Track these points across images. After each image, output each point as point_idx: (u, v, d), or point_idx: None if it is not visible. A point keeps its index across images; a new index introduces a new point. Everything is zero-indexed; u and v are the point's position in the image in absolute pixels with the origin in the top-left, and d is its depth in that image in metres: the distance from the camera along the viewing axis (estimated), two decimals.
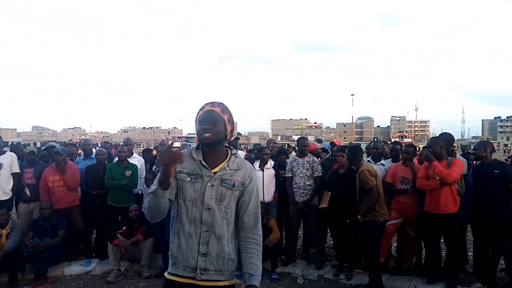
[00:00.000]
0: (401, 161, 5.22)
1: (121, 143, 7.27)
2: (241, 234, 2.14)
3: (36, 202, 5.63)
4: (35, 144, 17.86)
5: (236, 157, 2.16)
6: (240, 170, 2.13)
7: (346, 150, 5.07)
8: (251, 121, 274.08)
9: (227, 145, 2.20)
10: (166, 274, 2.16)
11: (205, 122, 2.06)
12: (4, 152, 5.71)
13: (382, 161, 5.53)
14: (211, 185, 2.07)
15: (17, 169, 5.63)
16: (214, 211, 2.06)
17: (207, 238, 2.06)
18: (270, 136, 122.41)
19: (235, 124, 2.22)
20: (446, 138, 5.04)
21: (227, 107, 2.13)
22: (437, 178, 4.45)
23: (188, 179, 2.08)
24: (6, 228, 5.08)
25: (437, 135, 6.24)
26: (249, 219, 2.13)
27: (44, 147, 8.19)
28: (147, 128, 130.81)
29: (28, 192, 5.58)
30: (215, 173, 2.08)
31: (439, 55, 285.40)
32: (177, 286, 2.09)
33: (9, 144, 10.69)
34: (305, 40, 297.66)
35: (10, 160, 5.60)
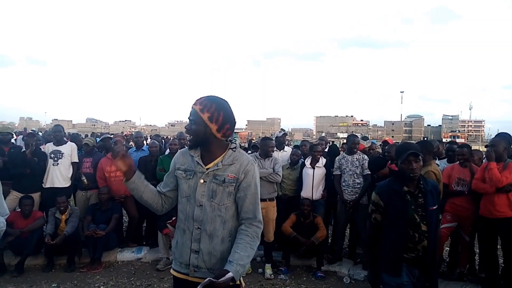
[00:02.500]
0: (457, 162, 4.97)
1: (170, 137, 7.45)
2: (239, 224, 2.09)
3: (92, 190, 5.93)
4: (92, 134, 18.75)
5: (234, 151, 2.10)
6: (233, 165, 2.06)
7: (418, 144, 4.83)
8: (295, 117, 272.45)
9: (229, 139, 2.14)
10: (171, 269, 2.21)
11: (188, 122, 2.08)
12: (66, 142, 6.05)
13: (437, 161, 5.30)
14: (203, 181, 2.05)
15: (76, 159, 5.95)
16: (205, 208, 2.04)
17: (199, 236, 2.04)
18: (314, 133, 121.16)
19: (226, 118, 2.05)
20: (506, 138, 4.73)
21: (211, 103, 2.03)
22: (488, 180, 4.22)
23: (184, 175, 2.11)
24: (65, 214, 5.40)
25: (493, 136, 5.86)
26: (247, 215, 2.06)
27: (99, 139, 8.60)
28: None
29: (85, 180, 5.88)
30: (207, 169, 2.06)
31: (495, 52, 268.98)
32: (178, 281, 2.13)
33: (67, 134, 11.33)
34: (352, 36, 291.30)
35: (70, 150, 5.94)
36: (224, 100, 2.12)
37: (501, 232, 4.29)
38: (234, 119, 2.13)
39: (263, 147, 5.40)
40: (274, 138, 6.50)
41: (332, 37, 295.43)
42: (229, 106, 2.12)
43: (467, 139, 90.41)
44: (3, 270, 5.00)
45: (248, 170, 2.07)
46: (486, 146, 5.67)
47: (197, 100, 2.07)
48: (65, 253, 5.29)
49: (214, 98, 2.09)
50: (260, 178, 4.94)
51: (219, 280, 1.82)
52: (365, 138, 9.30)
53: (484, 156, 5.19)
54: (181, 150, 2.30)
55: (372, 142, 8.32)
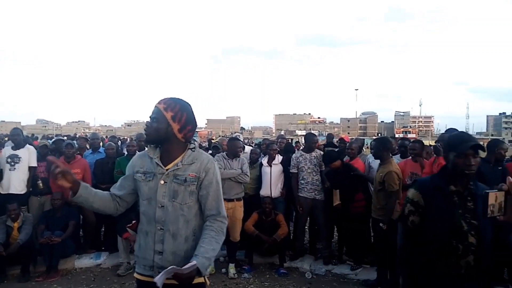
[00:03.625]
0: (410, 157, 5.22)
1: (127, 137, 7.29)
2: (204, 222, 2.10)
3: (47, 196, 5.69)
4: (43, 137, 17.92)
5: (194, 151, 2.12)
6: (194, 164, 2.08)
7: (374, 141, 5.01)
8: (255, 115, 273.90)
9: (190, 140, 2.15)
10: (134, 273, 2.20)
11: (149, 119, 2.10)
12: (24, 146, 5.77)
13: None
14: (164, 182, 2.06)
15: (34, 163, 5.71)
16: (167, 209, 2.04)
17: (162, 236, 2.04)
18: (274, 131, 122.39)
19: (188, 119, 2.09)
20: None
21: (176, 103, 2.07)
22: None
23: (143, 177, 2.11)
24: (18, 221, 5.15)
25: (442, 131, 6.20)
26: (211, 212, 2.08)
27: (52, 141, 8.26)
28: None
29: (41, 184, 5.65)
30: (167, 169, 2.07)
31: (445, 49, 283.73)
32: (142, 284, 2.12)
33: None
34: (309, 34, 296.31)
35: (28, 153, 5.68)
36: (188, 102, 2.16)
37: None
38: (196, 122, 2.18)
39: (231, 147, 5.38)
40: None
41: (290, 35, 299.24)
42: (192, 110, 2.16)
43: (418, 134, 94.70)
44: None
45: (208, 168, 2.09)
46: (435, 142, 6.00)
47: (161, 100, 2.09)
48: (19, 263, 5.03)
49: (178, 99, 2.12)
50: (229, 179, 5.00)
51: (183, 267, 1.82)
52: (330, 137, 9.59)
53: (432, 151, 5.50)
54: (138, 153, 2.30)
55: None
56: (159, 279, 1.81)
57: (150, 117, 2.09)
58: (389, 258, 4.62)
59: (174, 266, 1.83)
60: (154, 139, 2.10)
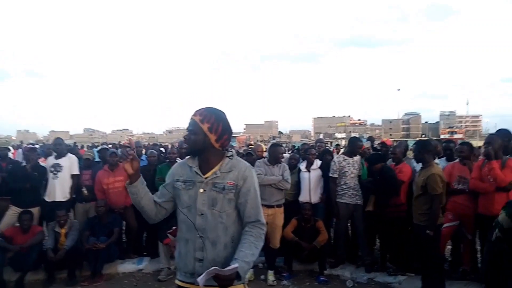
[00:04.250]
0: (457, 160, 4.97)
1: (169, 144, 7.44)
2: (241, 231, 2.12)
3: (91, 202, 5.90)
4: (90, 145, 18.73)
5: (231, 159, 2.14)
6: (232, 172, 2.10)
7: (415, 145, 4.84)
8: (293, 119, 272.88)
9: (227, 148, 2.17)
10: (175, 280, 2.23)
11: (187, 132, 2.13)
12: (65, 155, 6.02)
13: (436, 160, 5.29)
14: (203, 190, 2.09)
15: (76, 171, 5.93)
16: (207, 217, 2.07)
17: (202, 244, 2.06)
18: (312, 134, 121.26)
19: (224, 129, 2.12)
20: (504, 135, 4.71)
21: (211, 114, 2.10)
22: (491, 180, 4.20)
23: (183, 186, 2.14)
24: (65, 227, 5.37)
25: (491, 130, 5.88)
26: (250, 219, 2.10)
27: (97, 150, 8.58)
28: None
29: (85, 192, 5.87)
30: (206, 178, 2.10)
31: (491, 46, 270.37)
32: None
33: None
34: (348, 36, 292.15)
35: (69, 162, 5.92)
36: (222, 111, 2.19)
37: None
38: (231, 130, 2.20)
39: (272, 153, 5.32)
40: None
41: (328, 38, 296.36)
42: (227, 117, 2.18)
43: (465, 134, 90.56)
44: (3, 287, 4.94)
45: (246, 176, 2.11)
46: (484, 143, 5.69)
47: (196, 111, 2.12)
48: (66, 267, 5.24)
49: (213, 109, 2.15)
50: (269, 185, 4.96)
51: (225, 269, 1.84)
52: (371, 139, 9.34)
53: (480, 153, 5.21)
54: (178, 162, 2.35)
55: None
56: (201, 279, 1.85)
57: (187, 129, 2.14)
58: (434, 266, 4.41)
59: (216, 267, 1.86)
60: (193, 151, 2.15)
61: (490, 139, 4.50)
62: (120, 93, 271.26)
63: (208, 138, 2.08)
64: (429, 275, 4.43)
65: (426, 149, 4.46)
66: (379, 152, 6.25)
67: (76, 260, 5.27)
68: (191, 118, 2.11)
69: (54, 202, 5.70)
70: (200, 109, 2.13)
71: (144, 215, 2.26)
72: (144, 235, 6.37)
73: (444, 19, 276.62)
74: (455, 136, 75.99)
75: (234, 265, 1.86)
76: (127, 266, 5.65)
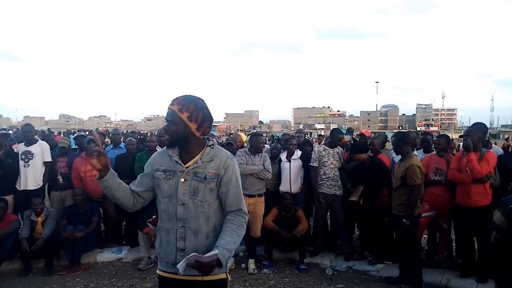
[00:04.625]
0: (434, 152, 5.08)
1: (147, 132, 7.33)
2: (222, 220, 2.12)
3: (67, 190, 5.78)
4: (66, 132, 18.28)
5: (212, 148, 2.12)
6: (213, 162, 2.08)
7: (394, 137, 4.90)
8: (273, 109, 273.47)
9: (206, 137, 2.15)
10: (157, 270, 2.22)
11: (165, 122, 2.09)
12: (36, 142, 5.86)
13: (414, 152, 5.40)
14: (184, 180, 2.06)
15: (48, 158, 5.78)
16: (188, 206, 2.05)
17: (184, 234, 2.05)
18: (292, 125, 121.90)
19: (204, 116, 2.08)
20: (481, 129, 4.85)
21: (189, 103, 2.04)
22: (469, 171, 4.31)
23: (163, 176, 2.11)
24: (42, 216, 5.25)
25: (465, 124, 6.01)
26: (231, 209, 2.09)
27: (73, 137, 8.39)
28: None
29: (60, 180, 5.73)
30: (187, 167, 2.07)
31: (469, 41, 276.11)
32: (166, 281, 2.15)
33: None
34: (328, 27, 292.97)
35: (41, 149, 5.75)
36: (201, 98, 2.13)
37: (476, 220, 4.40)
38: (212, 117, 2.15)
39: (253, 143, 5.30)
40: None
41: (309, 28, 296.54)
42: (206, 105, 2.13)
43: (441, 127, 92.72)
44: None
45: (228, 165, 2.09)
46: (460, 136, 5.82)
47: (173, 101, 2.07)
48: (43, 256, 5.13)
49: (191, 97, 2.10)
50: (250, 174, 4.95)
51: (205, 255, 1.83)
52: (350, 131, 9.39)
53: (457, 145, 5.33)
54: (158, 151, 2.31)
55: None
56: (180, 266, 1.84)
57: (166, 119, 2.08)
58: (412, 255, 4.53)
59: (196, 254, 1.85)
60: (174, 142, 2.11)
61: (469, 132, 4.60)
62: (98, 79, 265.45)
63: (188, 127, 2.04)
64: (407, 263, 4.55)
65: (405, 141, 4.55)
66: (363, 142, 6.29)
67: (53, 249, 5.17)
68: (169, 108, 2.06)
69: (26, 190, 5.55)
70: (178, 97, 2.08)
71: (121, 206, 2.22)
72: (123, 224, 6.30)
73: (424, 12, 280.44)
74: (431, 128, 77.80)
75: (213, 252, 1.85)
76: (106, 255, 5.58)
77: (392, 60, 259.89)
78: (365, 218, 5.28)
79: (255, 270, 5.13)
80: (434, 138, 5.38)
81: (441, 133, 6.31)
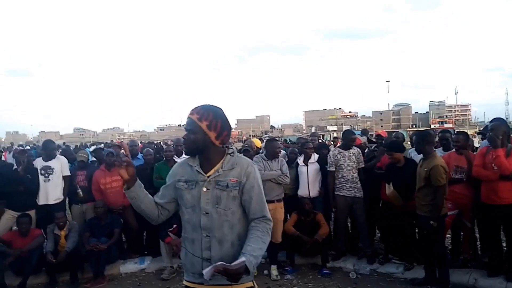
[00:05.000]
0: (453, 150, 5.01)
1: (161, 142, 7.38)
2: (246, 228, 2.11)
3: (88, 203, 5.84)
4: (81, 145, 18.54)
5: (232, 156, 2.12)
6: (234, 169, 2.08)
7: (415, 136, 4.80)
8: (284, 113, 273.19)
9: (226, 145, 2.15)
10: (183, 280, 2.22)
11: (185, 131, 2.10)
12: (55, 157, 5.96)
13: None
14: (206, 189, 2.07)
15: (67, 172, 5.88)
16: (212, 215, 2.05)
17: (209, 243, 2.05)
18: (304, 128, 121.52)
19: (223, 125, 2.08)
20: (504, 124, 4.73)
21: (208, 112, 2.06)
22: (495, 168, 4.22)
23: (185, 186, 2.12)
24: (64, 229, 5.32)
25: (480, 119, 5.88)
26: (255, 216, 2.09)
27: (92, 150, 8.50)
28: (183, 125, 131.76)
29: (81, 193, 5.80)
30: (208, 176, 2.08)
31: (478, 35, 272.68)
32: None
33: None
34: (335, 27, 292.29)
35: (60, 164, 5.85)
36: (219, 107, 2.15)
37: (504, 218, 4.32)
38: (230, 125, 2.17)
39: (269, 148, 5.32)
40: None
41: (316, 30, 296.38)
42: (224, 113, 2.15)
43: (455, 123, 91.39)
44: None
45: (249, 172, 2.09)
46: (478, 133, 5.73)
47: (193, 110, 2.09)
48: (67, 270, 5.20)
49: (210, 106, 2.11)
50: (269, 180, 4.95)
51: (232, 264, 1.83)
52: (365, 132, 9.30)
53: (472, 143, 5.22)
54: (178, 162, 2.33)
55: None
56: (207, 272, 1.84)
57: (185, 129, 2.10)
58: (438, 255, 4.45)
59: (223, 263, 1.84)
60: (193, 150, 2.11)
61: (494, 126, 4.46)
62: (110, 92, 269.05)
63: (208, 136, 2.05)
64: (433, 264, 4.48)
65: (427, 140, 4.47)
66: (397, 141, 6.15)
67: (77, 262, 5.24)
68: (188, 117, 2.07)
69: (47, 205, 5.63)
70: (197, 107, 2.10)
71: (146, 218, 2.24)
72: (144, 234, 6.35)
73: (430, 9, 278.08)
74: (445, 125, 76.63)
75: (240, 259, 1.85)
76: (129, 266, 5.63)
77: (402, 58, 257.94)
78: (391, 219, 5.16)
79: (278, 276, 5.11)
80: (453, 136, 5.29)
81: (456, 130, 6.21)
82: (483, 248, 5.06)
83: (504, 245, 4.75)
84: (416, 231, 5.12)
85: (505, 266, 4.48)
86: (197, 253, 2.08)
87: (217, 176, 2.07)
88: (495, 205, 4.29)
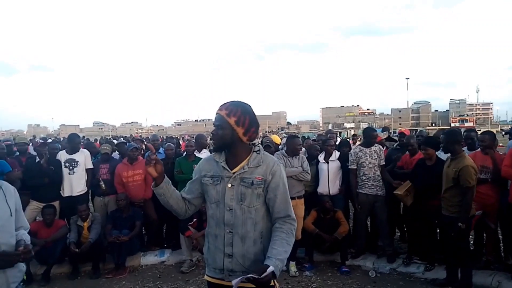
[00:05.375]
0: (479, 149, 4.91)
1: (178, 136, 7.44)
2: (273, 224, 2.11)
3: (110, 196, 5.94)
4: (102, 139, 18.81)
5: (259, 153, 2.13)
6: (260, 167, 2.09)
7: (442, 135, 4.66)
8: (301, 110, 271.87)
9: (253, 143, 2.16)
10: (205, 275, 2.25)
11: (213, 127, 2.12)
12: (79, 150, 6.08)
13: None
14: (231, 185, 2.08)
15: (90, 165, 6.00)
16: (235, 212, 2.07)
17: (231, 239, 2.07)
18: (321, 125, 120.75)
19: (251, 121, 2.10)
20: None
21: (237, 108, 2.07)
22: None
23: (211, 181, 2.14)
24: (87, 221, 5.43)
25: (502, 118, 5.70)
26: (280, 215, 2.09)
27: (116, 144, 8.60)
28: (200, 121, 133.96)
29: (103, 186, 5.90)
30: (234, 173, 2.09)
31: (500, 32, 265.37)
32: (214, 287, 2.18)
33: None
34: (354, 24, 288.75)
35: (84, 157, 5.97)
36: (248, 104, 2.17)
37: None
38: (258, 122, 2.17)
39: (290, 145, 5.32)
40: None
41: (335, 27, 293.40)
42: (252, 110, 2.16)
43: (476, 122, 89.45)
44: (30, 279, 5.02)
45: (275, 171, 2.09)
46: (506, 133, 5.59)
47: (221, 106, 2.11)
48: (90, 260, 5.33)
49: (239, 103, 2.13)
50: (290, 177, 4.96)
51: (262, 275, 1.83)
52: (386, 129, 9.20)
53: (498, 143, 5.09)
54: (205, 157, 2.35)
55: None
56: (236, 283, 1.86)
57: (214, 124, 2.11)
58: (461, 256, 4.38)
59: (253, 275, 1.84)
60: (221, 146, 2.14)
61: None
62: (128, 86, 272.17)
63: (235, 132, 2.06)
64: (455, 265, 4.40)
65: (456, 139, 4.36)
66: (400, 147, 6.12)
67: (100, 253, 5.35)
68: (217, 113, 2.09)
69: (71, 196, 5.75)
70: (226, 103, 2.11)
71: (174, 213, 2.27)
72: (164, 227, 6.43)
73: (451, 6, 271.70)
74: (466, 124, 75.09)
75: (269, 269, 1.85)
76: (150, 259, 5.71)
77: (422, 56, 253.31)
78: (415, 219, 5.08)
79: (297, 272, 5.11)
80: (479, 135, 5.18)
81: (475, 129, 6.07)
82: (506, 250, 4.95)
83: None
84: (438, 231, 5.05)
85: None
86: (220, 248, 2.10)
87: (242, 173, 2.08)
88: None
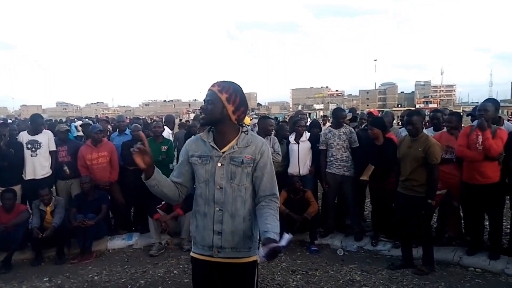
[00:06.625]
0: (445, 130, 5.03)
1: (146, 117, 7.25)
2: (257, 202, 2.16)
3: (74, 179, 5.73)
4: (68, 120, 18.14)
5: (247, 134, 2.17)
6: (249, 147, 2.15)
7: (407, 116, 4.72)
8: (271, 91, 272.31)
9: (240, 124, 2.18)
10: (191, 252, 2.27)
11: (204, 103, 2.15)
12: (42, 131, 5.80)
13: (424, 130, 5.35)
14: (221, 164, 2.12)
15: (54, 147, 5.75)
16: (225, 190, 2.11)
17: (221, 217, 2.11)
18: (291, 106, 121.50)
19: (242, 101, 2.13)
20: (495, 104, 4.73)
21: (229, 86, 2.12)
22: (480, 148, 4.24)
23: (199, 161, 2.16)
24: (50, 205, 5.23)
25: (464, 100, 5.87)
26: (266, 193, 2.15)
27: (80, 125, 8.29)
28: (168, 101, 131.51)
29: (67, 170, 5.68)
30: (223, 152, 2.12)
31: (466, 15, 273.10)
32: (200, 263, 2.21)
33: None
34: (326, 4, 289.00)
35: (47, 138, 5.71)
36: (239, 85, 2.19)
37: (488, 197, 4.38)
38: (247, 104, 2.22)
39: (262, 125, 5.30)
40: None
41: (306, 6, 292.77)
42: (243, 92, 2.19)
43: (439, 103, 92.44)
44: None
45: (263, 151, 2.17)
46: (468, 114, 5.75)
47: (214, 83, 2.15)
48: (54, 245, 5.16)
49: (231, 82, 2.18)
50: None
51: (281, 243, 1.84)
52: (353, 110, 9.27)
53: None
54: (192, 137, 2.36)
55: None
56: (261, 255, 1.84)
57: (205, 100, 2.15)
58: (423, 235, 4.51)
59: (277, 245, 1.84)
60: (210, 121, 2.15)
61: (486, 106, 4.42)
62: (94, 66, 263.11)
63: (225, 109, 2.09)
64: (418, 244, 4.54)
65: (421, 119, 4.46)
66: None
67: (64, 237, 5.18)
68: (209, 89, 2.13)
69: (34, 180, 5.52)
70: (218, 81, 2.16)
71: (167, 200, 2.28)
72: (132, 210, 6.29)
73: None
74: (430, 105, 77.49)
75: (288, 236, 1.87)
76: (117, 242, 5.59)
77: (391, 38, 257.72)
78: (376, 199, 5.23)
79: None
80: (445, 116, 5.30)
81: (455, 111, 6.22)
82: (467, 227, 5.15)
83: (487, 223, 4.86)
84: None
85: (486, 244, 4.58)
86: (209, 226, 2.13)
87: (232, 153, 2.12)
88: (478, 185, 4.34)
